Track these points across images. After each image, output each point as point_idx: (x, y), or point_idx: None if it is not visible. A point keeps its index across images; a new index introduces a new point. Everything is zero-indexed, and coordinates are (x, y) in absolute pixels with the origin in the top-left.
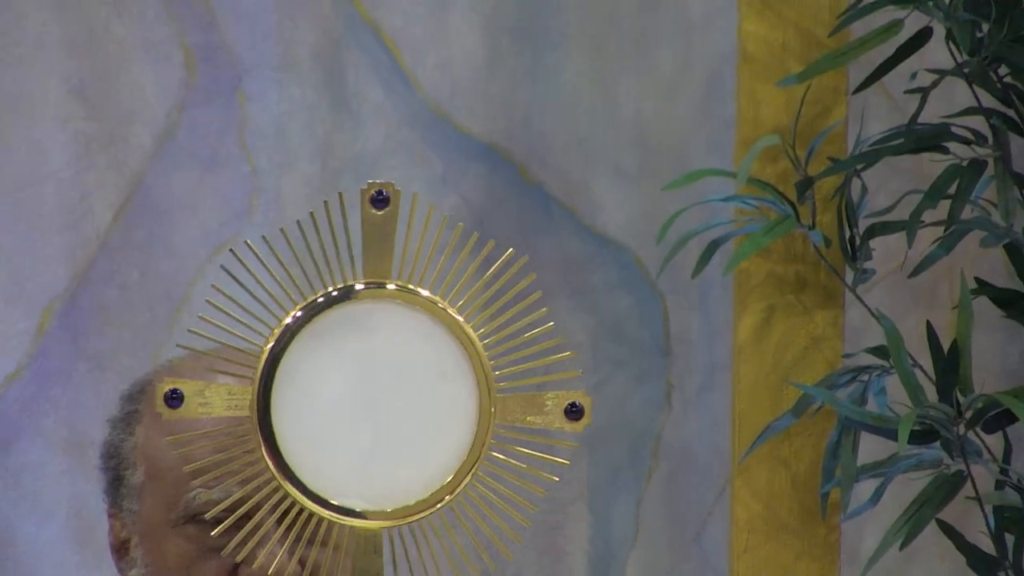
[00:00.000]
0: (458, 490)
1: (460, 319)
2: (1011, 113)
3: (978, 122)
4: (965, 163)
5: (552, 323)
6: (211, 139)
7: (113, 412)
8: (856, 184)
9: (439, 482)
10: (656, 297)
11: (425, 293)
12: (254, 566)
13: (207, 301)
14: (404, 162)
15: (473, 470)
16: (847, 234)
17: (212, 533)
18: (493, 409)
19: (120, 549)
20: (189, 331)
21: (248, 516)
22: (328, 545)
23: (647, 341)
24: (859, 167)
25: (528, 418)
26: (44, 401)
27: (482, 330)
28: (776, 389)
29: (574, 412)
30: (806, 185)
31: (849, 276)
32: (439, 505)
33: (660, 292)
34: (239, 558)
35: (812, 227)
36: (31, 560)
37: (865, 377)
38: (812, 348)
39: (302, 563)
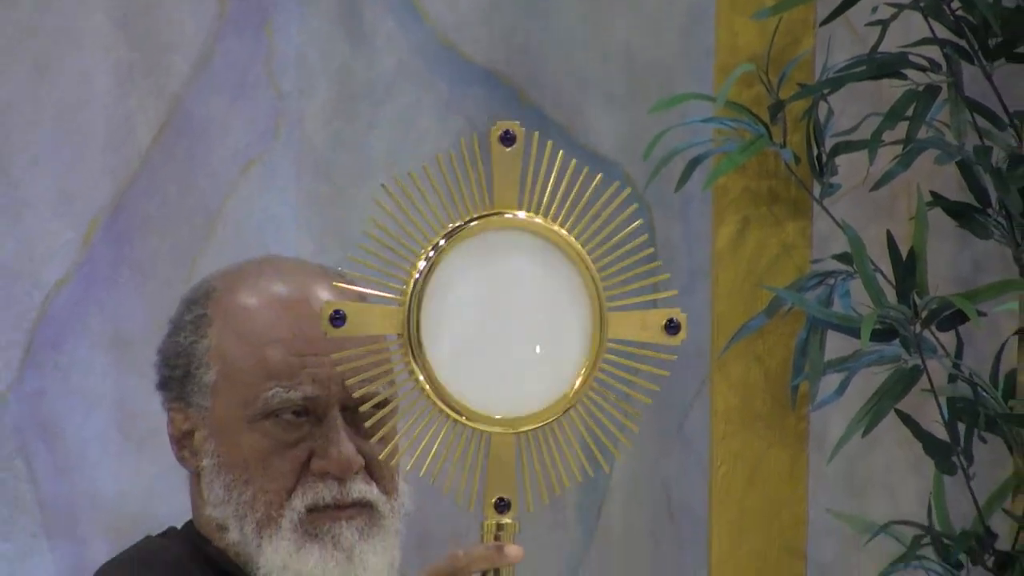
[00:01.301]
0: (577, 398)
1: (576, 244)
2: (963, 43)
3: (933, 51)
4: (921, 88)
5: (652, 249)
6: (241, 67)
7: (179, 316)
8: (823, 107)
9: (561, 391)
10: (643, 208)
11: (545, 221)
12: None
13: (363, 232)
14: (414, 87)
15: (589, 380)
16: (815, 152)
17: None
18: (604, 326)
19: (182, 439)
20: (348, 258)
21: (320, 418)
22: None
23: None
24: (825, 92)
25: (633, 333)
26: (91, 304)
27: (593, 254)
28: (751, 292)
29: (672, 327)
30: (778, 108)
31: (817, 190)
32: (562, 411)
33: (647, 204)
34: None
35: (783, 146)
36: (79, 448)
37: (831, 281)
38: (783, 255)
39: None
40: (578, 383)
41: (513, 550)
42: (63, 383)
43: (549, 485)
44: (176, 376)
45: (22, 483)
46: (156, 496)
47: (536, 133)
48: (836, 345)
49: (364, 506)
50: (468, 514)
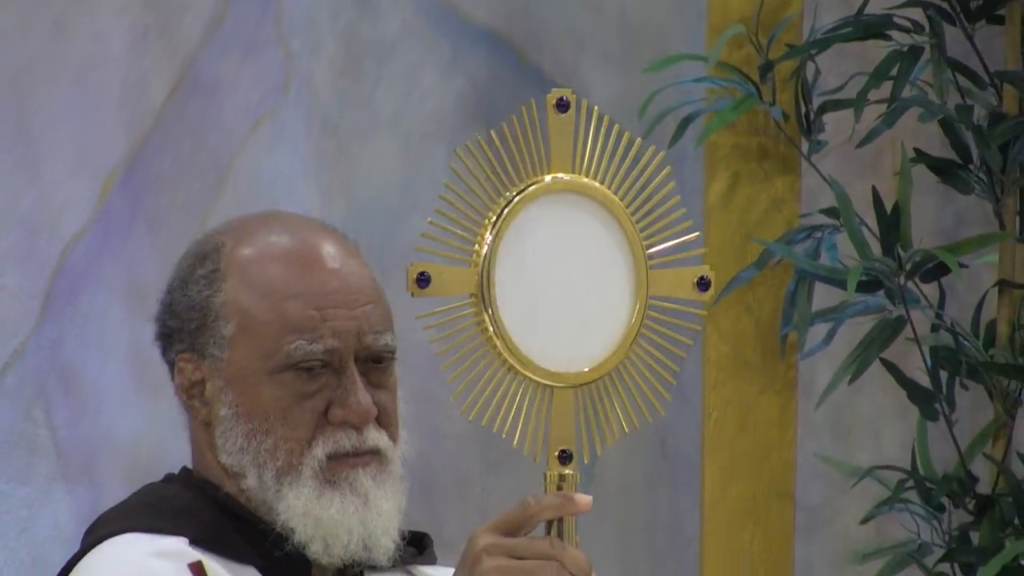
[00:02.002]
0: (627, 352)
1: (624, 207)
2: (945, 5)
3: (916, 13)
4: (905, 49)
5: (686, 210)
6: (251, 28)
7: (188, 270)
8: (810, 67)
9: (614, 346)
10: None
11: (596, 183)
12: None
13: (440, 196)
14: (418, 46)
15: (636, 335)
16: (803, 110)
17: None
18: (649, 283)
19: (191, 388)
20: (429, 222)
21: (337, 369)
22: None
23: None
24: (813, 52)
25: (669, 290)
26: (107, 255)
27: (636, 215)
28: (741, 245)
29: (703, 284)
30: (767, 68)
31: (804, 147)
32: (614, 366)
33: None
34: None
35: (772, 104)
36: (95, 393)
37: (819, 234)
38: (772, 209)
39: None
40: (628, 339)
41: (583, 498)
42: (80, 332)
43: (602, 437)
44: (188, 328)
45: (40, 429)
46: (170, 441)
47: (585, 100)
48: (823, 296)
49: (376, 453)
50: (468, 461)
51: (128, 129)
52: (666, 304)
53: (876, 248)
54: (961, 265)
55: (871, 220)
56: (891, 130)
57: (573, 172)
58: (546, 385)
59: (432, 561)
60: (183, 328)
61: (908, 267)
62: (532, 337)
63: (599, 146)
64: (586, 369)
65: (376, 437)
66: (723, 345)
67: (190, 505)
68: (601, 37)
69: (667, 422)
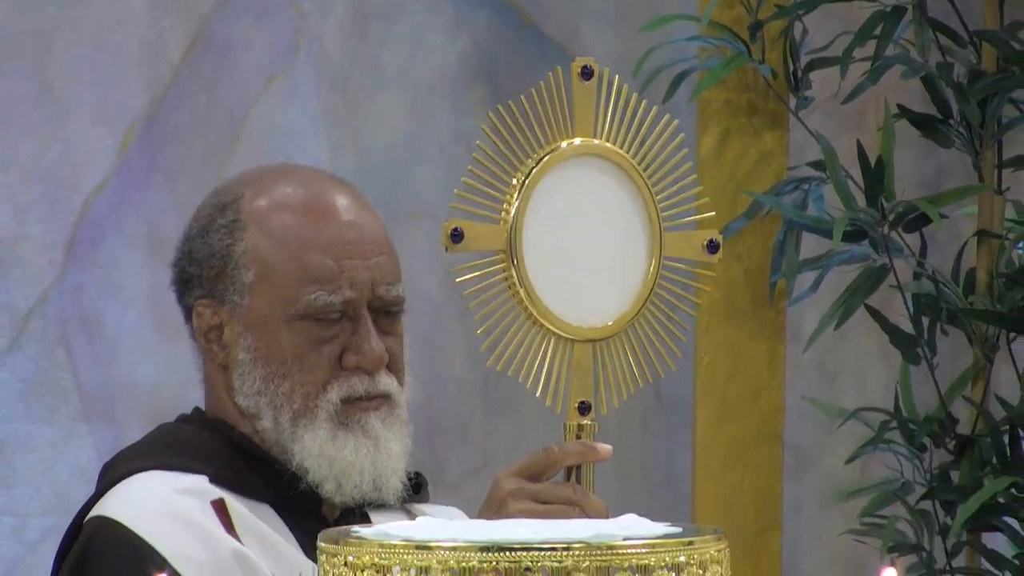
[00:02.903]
0: (642, 310)
1: (641, 171)
2: None
3: None
4: (888, 9)
5: (697, 176)
6: None
7: (208, 219)
8: (798, 26)
9: (630, 304)
10: None
11: (617, 148)
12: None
13: (473, 156)
14: (423, 8)
15: (651, 294)
16: (791, 68)
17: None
18: (663, 244)
19: (208, 332)
20: (464, 181)
21: (352, 318)
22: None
23: None
24: (800, 12)
25: (681, 251)
26: (127, 206)
27: (652, 178)
28: (732, 196)
29: (712, 246)
30: (757, 27)
31: (792, 103)
32: (629, 322)
33: None
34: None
35: (762, 62)
36: (117, 339)
37: (806, 186)
38: (762, 162)
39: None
40: (643, 297)
41: (604, 447)
42: (102, 279)
43: (619, 390)
44: (208, 275)
45: (64, 372)
46: (187, 384)
47: (606, 69)
48: (810, 245)
49: (386, 397)
50: (470, 405)
51: (147, 86)
52: (678, 264)
53: (861, 199)
54: (942, 216)
55: (856, 173)
56: (875, 87)
57: (595, 137)
58: (567, 339)
59: (426, 499)
60: (202, 275)
61: (891, 218)
62: (555, 293)
63: (619, 113)
64: (604, 324)
65: (387, 382)
66: (714, 292)
67: (207, 445)
68: None
69: None
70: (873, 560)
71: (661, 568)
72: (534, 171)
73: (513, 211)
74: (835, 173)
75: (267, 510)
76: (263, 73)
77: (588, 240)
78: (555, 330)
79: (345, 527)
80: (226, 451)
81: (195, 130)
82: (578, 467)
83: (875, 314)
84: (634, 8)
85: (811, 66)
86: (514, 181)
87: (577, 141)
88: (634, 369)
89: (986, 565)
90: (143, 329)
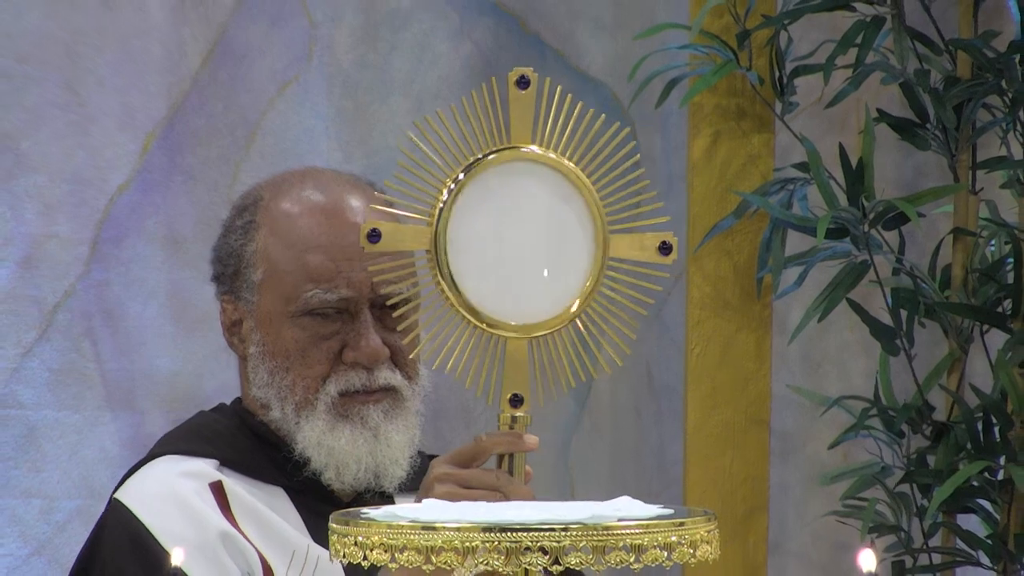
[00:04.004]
0: (581, 308)
1: (582, 175)
2: None
3: None
4: (869, 19)
5: (649, 181)
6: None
7: (231, 220)
8: (784, 35)
9: (568, 302)
10: (627, 123)
11: (555, 155)
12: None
13: (398, 163)
14: (430, 16)
15: (592, 293)
16: (776, 74)
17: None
18: (606, 246)
19: (232, 327)
20: (385, 183)
21: (352, 315)
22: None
23: None
24: (786, 22)
25: (632, 253)
26: (148, 206)
27: (597, 184)
28: (722, 196)
29: (665, 248)
30: (744, 36)
31: (778, 107)
32: (568, 320)
33: (631, 119)
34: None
35: (749, 69)
36: (138, 331)
37: (791, 187)
38: (749, 164)
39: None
40: (582, 296)
41: (530, 439)
42: (124, 275)
43: (558, 384)
44: (228, 273)
45: (89, 362)
46: (204, 374)
47: (548, 79)
48: (795, 242)
49: (389, 391)
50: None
51: (167, 92)
52: (633, 267)
53: (843, 199)
54: (919, 214)
55: (838, 174)
56: (856, 92)
57: (533, 144)
58: (497, 335)
59: None
60: (224, 272)
61: (871, 216)
62: (484, 290)
63: (561, 121)
64: (539, 321)
65: (388, 376)
66: (705, 286)
67: (224, 431)
68: (595, 8)
69: (654, 356)
70: (854, 540)
71: (654, 548)
72: (463, 175)
73: (439, 211)
74: (819, 174)
75: (279, 494)
76: (277, 79)
77: (523, 241)
78: (482, 326)
79: (356, 509)
80: (243, 437)
81: (212, 134)
82: (510, 456)
83: (856, 307)
84: (629, 17)
85: (796, 73)
86: (444, 185)
87: (511, 148)
88: (576, 365)
89: (961, 545)
90: (162, 322)
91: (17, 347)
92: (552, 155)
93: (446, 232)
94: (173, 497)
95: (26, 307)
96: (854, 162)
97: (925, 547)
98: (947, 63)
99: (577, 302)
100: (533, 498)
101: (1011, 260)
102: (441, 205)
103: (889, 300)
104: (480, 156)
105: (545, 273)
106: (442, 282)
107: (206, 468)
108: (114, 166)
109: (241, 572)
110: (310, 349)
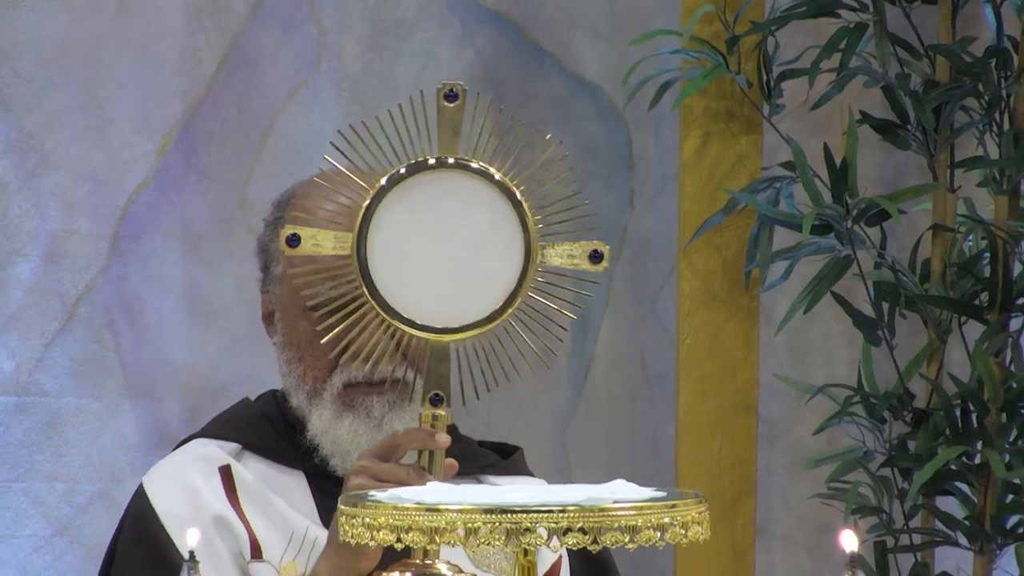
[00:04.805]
0: (505, 314)
1: (510, 185)
2: None
3: None
4: (852, 25)
5: (582, 193)
6: (289, 8)
7: (267, 217)
8: (771, 41)
9: (492, 307)
10: (622, 125)
11: (481, 165)
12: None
13: (320, 169)
14: (434, 25)
15: (517, 300)
16: (764, 78)
17: (318, 328)
18: (534, 254)
19: (268, 318)
20: (307, 192)
21: (347, 312)
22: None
23: (615, 158)
24: (773, 28)
25: (562, 262)
26: (165, 204)
27: (526, 194)
28: (712, 194)
29: (596, 256)
30: (734, 42)
31: (766, 110)
32: (491, 325)
33: (625, 121)
34: (331, 347)
35: (738, 73)
36: (155, 323)
37: (778, 185)
38: (738, 163)
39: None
40: (507, 302)
41: (442, 437)
42: (142, 270)
43: (482, 384)
44: (262, 267)
45: (109, 352)
46: (219, 364)
47: (479, 93)
48: (782, 238)
49: (396, 383)
50: None
51: (183, 95)
52: (561, 276)
53: (827, 197)
54: (900, 211)
55: (823, 172)
56: (840, 95)
57: (462, 156)
58: (420, 337)
59: (514, 470)
60: (261, 266)
61: (854, 213)
62: (407, 293)
63: (491, 134)
64: (462, 325)
65: (388, 370)
66: (695, 280)
67: (252, 417)
68: (592, 17)
69: (647, 346)
70: (838, 521)
71: (647, 528)
72: (385, 183)
73: (361, 217)
74: (804, 173)
75: (299, 477)
76: (288, 84)
77: (447, 248)
78: (406, 328)
79: (364, 492)
80: (268, 424)
81: (226, 136)
82: (430, 452)
83: (840, 300)
84: (624, 24)
85: (782, 76)
86: (368, 192)
87: (437, 158)
88: (501, 366)
89: (939, 526)
90: (179, 315)
91: (41, 338)
92: (479, 165)
93: (367, 237)
94: (180, 479)
95: (49, 300)
96: (838, 161)
97: (906, 528)
98: (926, 67)
99: (501, 308)
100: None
101: (987, 255)
102: (365, 209)
103: (871, 293)
104: (405, 165)
105: (470, 279)
106: (363, 285)
107: (219, 452)
108: (132, 166)
109: (231, 552)
110: (318, 341)
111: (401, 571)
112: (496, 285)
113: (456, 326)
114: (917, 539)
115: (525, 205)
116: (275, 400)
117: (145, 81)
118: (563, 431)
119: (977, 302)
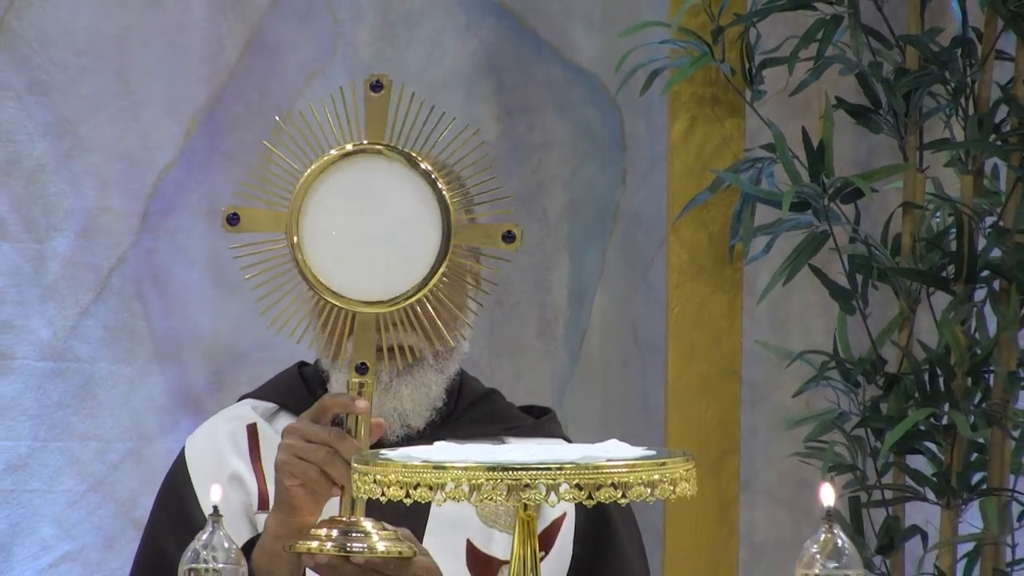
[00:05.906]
0: (426, 288)
1: (431, 170)
2: None
3: None
4: (828, 17)
5: (496, 177)
6: (306, 0)
7: None
8: (753, 32)
9: (414, 282)
10: (615, 109)
11: (404, 151)
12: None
13: (260, 156)
14: (440, 16)
15: (437, 275)
16: (747, 66)
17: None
18: (453, 234)
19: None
20: (246, 174)
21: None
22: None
23: (608, 139)
24: (755, 20)
25: (478, 241)
26: (191, 183)
27: (447, 178)
28: (698, 173)
29: (509, 237)
30: (718, 32)
31: (748, 95)
32: (412, 297)
33: (617, 106)
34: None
35: (722, 61)
36: (182, 295)
37: (760, 165)
38: (723, 145)
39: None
40: (427, 277)
41: (361, 403)
42: (170, 244)
43: (404, 354)
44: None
45: (139, 320)
46: (241, 331)
47: (404, 84)
48: (763, 214)
49: (402, 350)
50: (477, 345)
51: (208, 82)
52: (475, 254)
53: (805, 176)
54: (873, 190)
55: (801, 154)
56: (817, 82)
57: (387, 142)
58: (349, 309)
59: (536, 434)
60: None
61: (831, 191)
62: (335, 269)
63: (413, 121)
64: (386, 299)
65: (400, 338)
66: (683, 253)
67: (290, 380)
68: (586, 7)
69: (639, 315)
70: (816, 478)
71: (638, 485)
72: (318, 167)
73: (294, 198)
74: (784, 154)
75: None
76: (305, 71)
77: (372, 227)
78: (334, 300)
79: (375, 451)
80: (307, 385)
81: (248, 119)
82: (356, 416)
83: (817, 272)
84: (616, 15)
85: (764, 65)
86: (302, 175)
87: (364, 144)
88: (420, 337)
89: (909, 482)
90: (204, 286)
91: (76, 307)
92: (402, 151)
93: (298, 217)
94: (210, 436)
95: (84, 272)
96: (815, 143)
97: (878, 484)
98: (897, 56)
99: (421, 283)
100: (361, 449)
101: (954, 230)
102: (298, 192)
103: (846, 265)
104: (334, 151)
105: (394, 256)
106: (298, 260)
107: (251, 412)
108: (161, 147)
109: (242, 504)
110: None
111: (328, 527)
112: (416, 263)
113: (378, 299)
114: (889, 495)
115: (444, 188)
116: (316, 364)
117: (173, 68)
118: (561, 395)
119: (944, 274)
